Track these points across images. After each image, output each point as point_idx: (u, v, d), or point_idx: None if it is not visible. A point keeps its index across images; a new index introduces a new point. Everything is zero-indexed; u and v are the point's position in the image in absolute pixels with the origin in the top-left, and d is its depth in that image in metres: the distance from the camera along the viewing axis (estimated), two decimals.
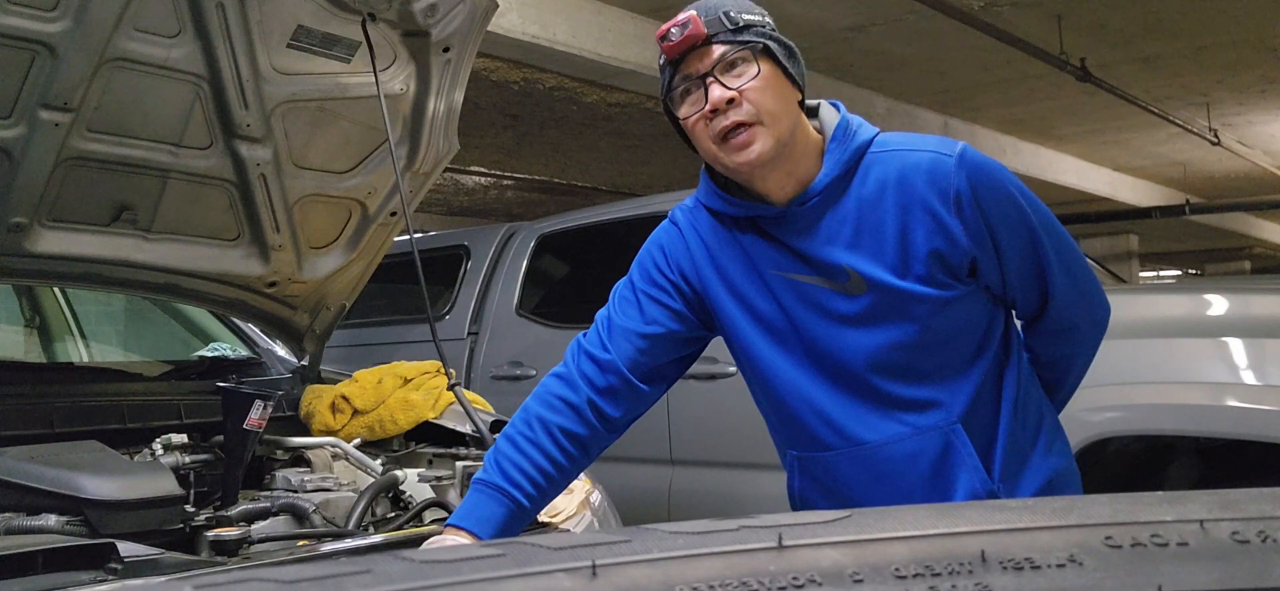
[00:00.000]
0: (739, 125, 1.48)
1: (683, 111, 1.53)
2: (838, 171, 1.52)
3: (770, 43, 1.51)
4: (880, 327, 1.51)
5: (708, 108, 1.49)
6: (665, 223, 1.70)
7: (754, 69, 1.49)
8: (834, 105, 1.60)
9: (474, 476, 1.61)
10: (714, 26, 1.49)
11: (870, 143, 1.54)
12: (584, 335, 1.67)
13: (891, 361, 1.52)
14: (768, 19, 1.55)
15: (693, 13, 1.51)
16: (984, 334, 1.55)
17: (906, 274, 1.49)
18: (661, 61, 1.55)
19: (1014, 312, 1.62)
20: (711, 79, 1.49)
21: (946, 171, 1.48)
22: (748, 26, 1.51)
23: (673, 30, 1.50)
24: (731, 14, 1.50)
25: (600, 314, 1.68)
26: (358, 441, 2.52)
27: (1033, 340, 1.65)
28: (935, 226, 1.48)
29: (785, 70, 1.52)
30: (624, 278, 1.70)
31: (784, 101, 1.51)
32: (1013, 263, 1.53)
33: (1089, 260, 1.81)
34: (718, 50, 1.49)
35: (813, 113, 1.59)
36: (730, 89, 1.48)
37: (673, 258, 1.65)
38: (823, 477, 1.60)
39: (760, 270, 1.57)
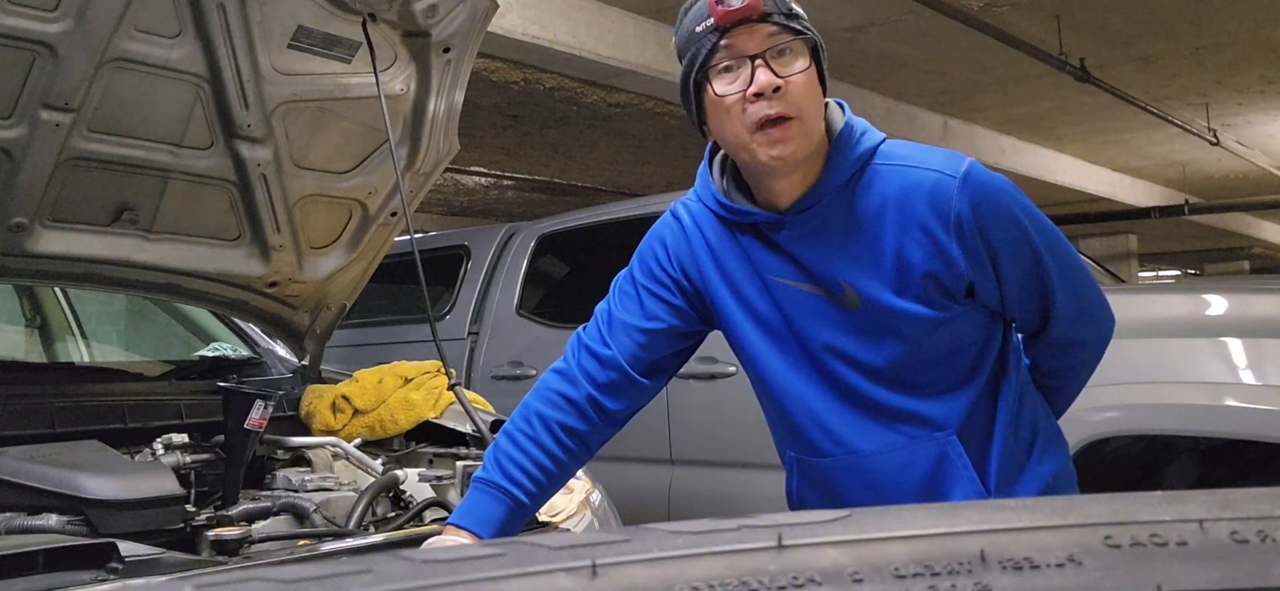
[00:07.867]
0: (781, 118, 1.41)
1: (719, 87, 1.43)
2: (840, 180, 1.48)
3: (817, 38, 1.46)
4: (874, 341, 1.49)
5: (752, 90, 1.40)
6: (667, 216, 1.66)
7: (803, 62, 1.42)
8: (839, 104, 1.55)
9: (474, 475, 1.60)
10: (771, 5, 1.41)
11: (873, 151, 1.49)
12: (584, 329, 1.66)
13: (886, 373, 1.50)
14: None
15: None
16: (981, 349, 1.53)
17: (902, 293, 1.46)
18: (703, 28, 1.43)
19: (1013, 325, 1.60)
20: (760, 61, 1.40)
21: (948, 194, 1.43)
22: (798, 16, 1.45)
23: None
24: None
25: (600, 307, 1.66)
26: (358, 441, 2.52)
27: (1033, 352, 1.62)
28: (933, 249, 1.44)
29: (820, 72, 1.47)
30: (624, 270, 1.68)
31: (817, 104, 1.46)
32: (1013, 284, 1.49)
33: (1088, 261, 1.79)
34: (769, 31, 1.41)
35: None
36: (779, 76, 1.40)
37: (674, 253, 1.62)
38: (819, 482, 1.59)
39: (760, 273, 1.55)
